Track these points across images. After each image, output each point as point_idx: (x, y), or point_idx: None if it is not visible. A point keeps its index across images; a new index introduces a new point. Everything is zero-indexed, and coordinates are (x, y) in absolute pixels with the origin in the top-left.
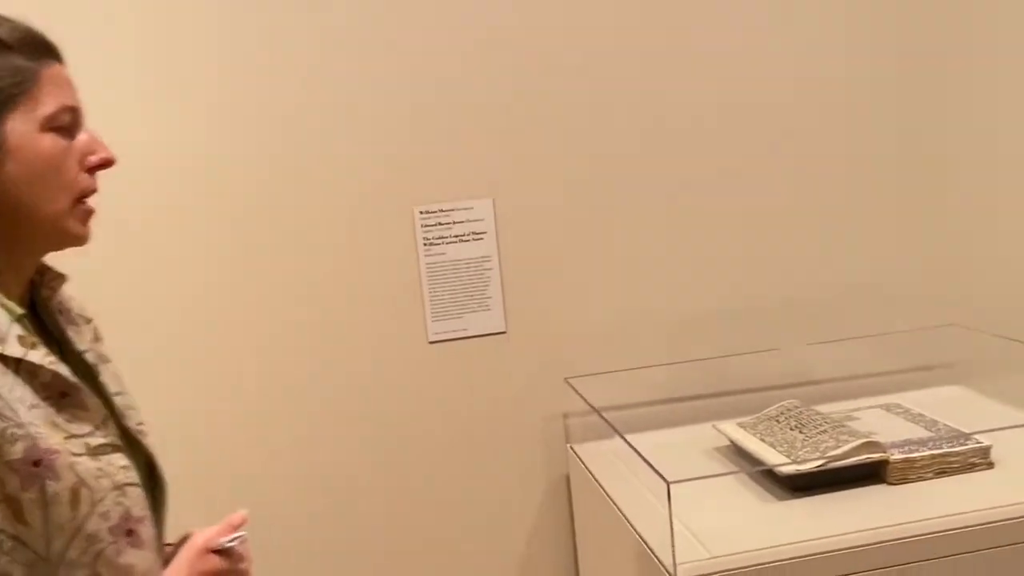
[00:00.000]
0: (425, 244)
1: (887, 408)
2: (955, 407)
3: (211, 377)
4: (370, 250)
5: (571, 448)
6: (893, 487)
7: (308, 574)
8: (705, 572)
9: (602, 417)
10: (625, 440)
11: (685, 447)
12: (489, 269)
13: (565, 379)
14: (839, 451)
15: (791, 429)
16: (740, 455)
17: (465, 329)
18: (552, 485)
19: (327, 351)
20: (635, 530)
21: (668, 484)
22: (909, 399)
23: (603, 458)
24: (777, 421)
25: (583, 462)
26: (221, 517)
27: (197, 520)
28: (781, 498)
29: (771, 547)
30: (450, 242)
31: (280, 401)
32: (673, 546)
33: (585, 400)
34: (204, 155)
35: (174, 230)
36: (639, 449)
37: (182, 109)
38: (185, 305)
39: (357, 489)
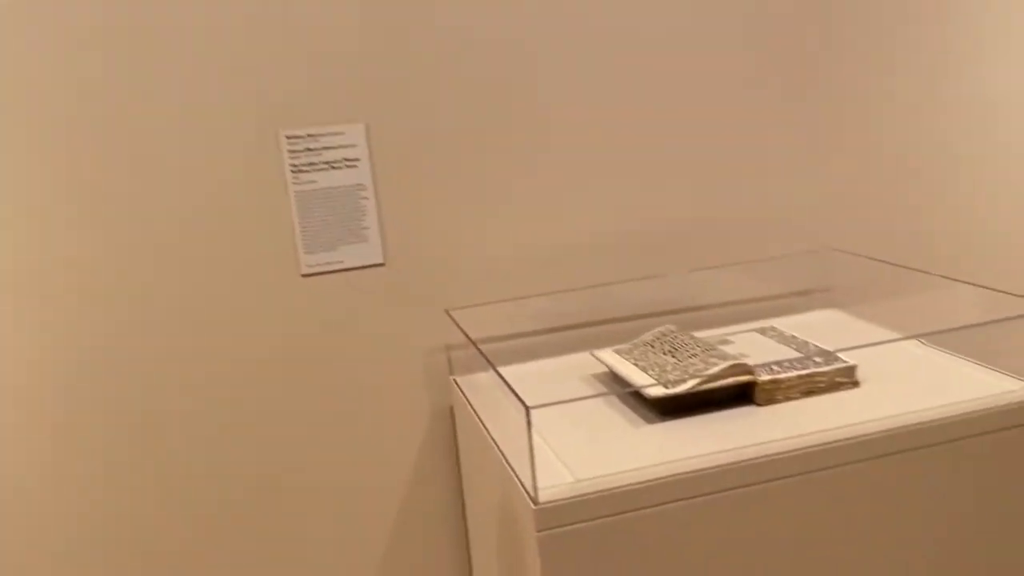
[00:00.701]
0: (293, 171)
1: (761, 331)
2: (828, 329)
3: (58, 315)
4: (233, 178)
5: (454, 380)
6: (761, 408)
7: (179, 517)
8: (567, 496)
9: (476, 348)
10: (495, 368)
11: (563, 375)
12: (364, 198)
13: (446, 311)
14: (707, 373)
15: (664, 354)
16: (616, 381)
17: (341, 261)
18: (436, 418)
19: (190, 287)
20: (503, 456)
21: (528, 409)
22: (785, 323)
23: (485, 389)
24: (652, 346)
25: (464, 393)
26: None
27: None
28: (651, 421)
29: (635, 469)
30: (321, 169)
31: (141, 338)
32: (533, 469)
33: (463, 331)
34: (39, 78)
35: (7, 162)
36: (519, 378)
37: (12, 27)
38: (24, 243)
39: (228, 430)
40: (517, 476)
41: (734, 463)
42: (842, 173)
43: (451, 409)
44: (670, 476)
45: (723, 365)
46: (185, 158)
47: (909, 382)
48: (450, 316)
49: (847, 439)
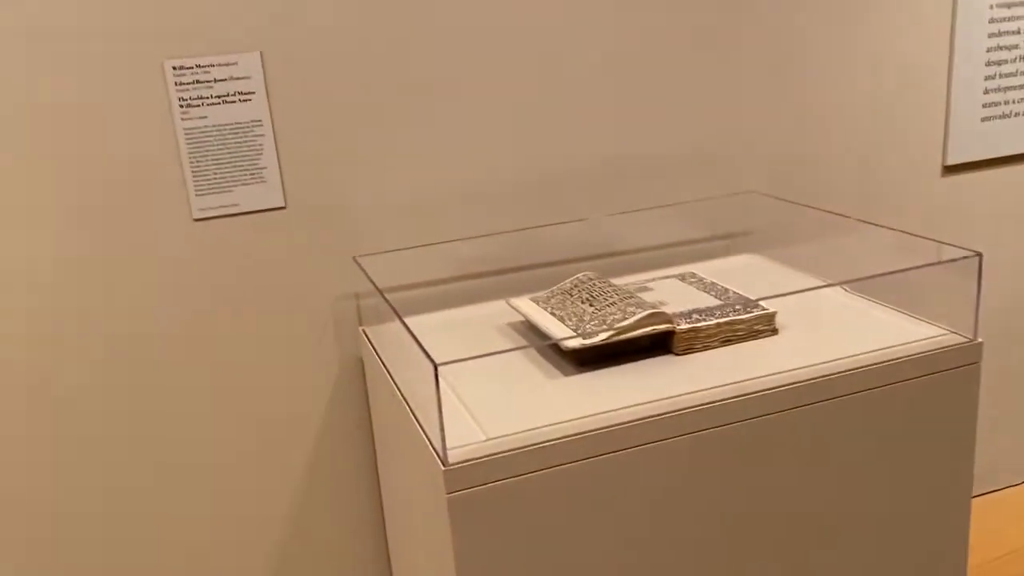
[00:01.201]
0: (182, 106)
1: (682, 278)
2: (749, 275)
3: None
4: (113, 115)
5: (363, 331)
6: (679, 357)
7: (71, 475)
8: (478, 455)
9: (384, 297)
10: (402, 321)
11: (478, 325)
12: (261, 135)
13: (353, 258)
14: (625, 323)
15: (582, 302)
16: (532, 331)
17: (236, 204)
18: (345, 370)
19: (69, 235)
20: (412, 413)
21: (435, 366)
22: (706, 268)
23: (395, 341)
24: (570, 294)
25: (373, 345)
26: None
27: None
28: (568, 373)
29: (549, 425)
30: (212, 103)
31: (23, 294)
32: (442, 430)
33: (370, 280)
34: None
35: None
36: (431, 329)
37: None
38: None
39: (118, 388)
40: (426, 435)
41: (648, 417)
42: (761, 114)
43: (361, 361)
44: (584, 432)
45: (641, 314)
46: (58, 93)
47: (827, 329)
48: (357, 263)
49: (762, 390)
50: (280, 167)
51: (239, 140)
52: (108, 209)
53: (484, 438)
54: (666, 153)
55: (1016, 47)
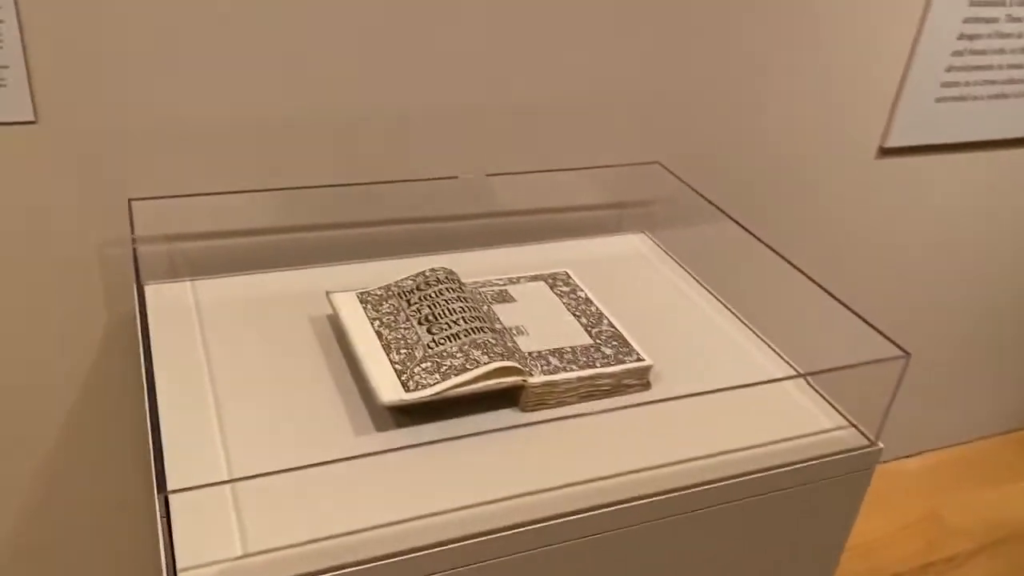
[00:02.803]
0: None
1: (552, 283)
2: (633, 274)
3: None
4: None
5: (137, 287)
6: (526, 414)
7: None
8: None
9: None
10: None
11: (286, 310)
12: (0, 21)
13: (130, 200)
14: (462, 378)
15: (419, 323)
16: (346, 354)
17: None
18: (112, 334)
19: None
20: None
21: (166, 494)
22: (587, 252)
23: (176, 308)
24: (408, 301)
25: (144, 318)
26: None
27: None
28: (381, 427)
29: (332, 537)
30: None
31: None
32: (172, 554)
33: (132, 235)
34: None
35: None
36: (220, 308)
37: None
38: None
39: None
40: (161, 535)
41: (461, 540)
42: (683, 73)
43: (134, 321)
44: (372, 561)
45: (484, 368)
46: None
47: (708, 394)
48: (131, 207)
49: (618, 503)
50: (28, 67)
51: None
52: None
53: (240, 552)
54: (560, 105)
55: (995, 20)
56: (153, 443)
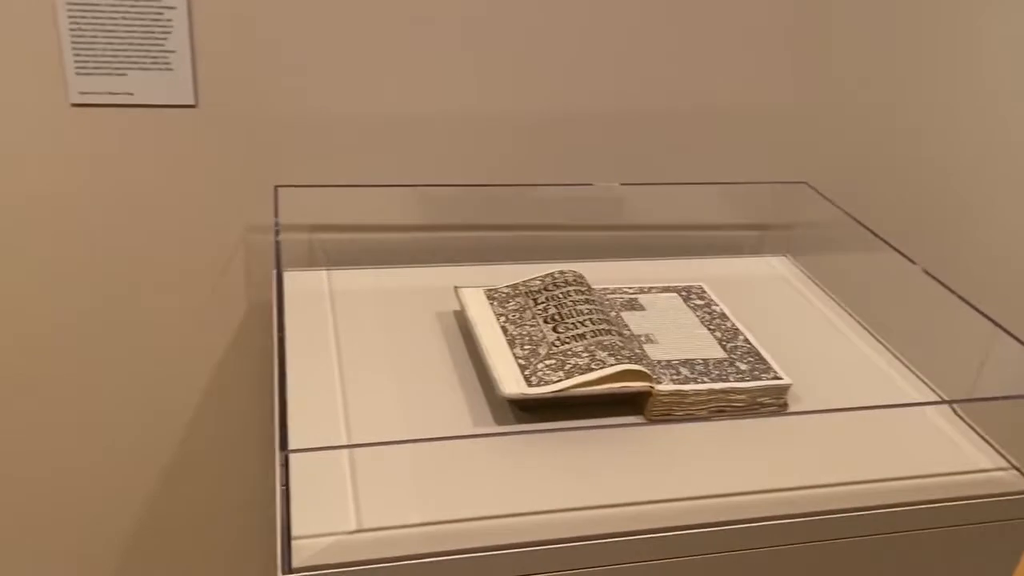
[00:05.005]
0: None
1: (685, 295)
2: (772, 294)
3: None
4: None
5: (277, 273)
6: (652, 425)
7: None
8: (333, 562)
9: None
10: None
11: (410, 305)
12: (171, 7)
13: (276, 187)
14: (587, 377)
15: (545, 321)
16: (471, 346)
17: (131, 94)
18: (251, 316)
19: None
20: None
21: (286, 453)
22: (724, 271)
23: (311, 295)
24: (535, 300)
25: (280, 301)
26: None
27: None
28: (502, 420)
29: (450, 522)
30: None
31: None
32: (288, 524)
33: (276, 221)
34: None
35: None
36: (352, 295)
37: None
38: None
39: None
40: (279, 512)
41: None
42: (854, 84)
43: (269, 306)
44: (489, 551)
45: (610, 369)
46: None
47: (850, 417)
48: (276, 194)
49: (753, 521)
50: (194, 54)
51: (140, 9)
52: None
53: (354, 527)
54: (703, 116)
55: None
56: (279, 409)
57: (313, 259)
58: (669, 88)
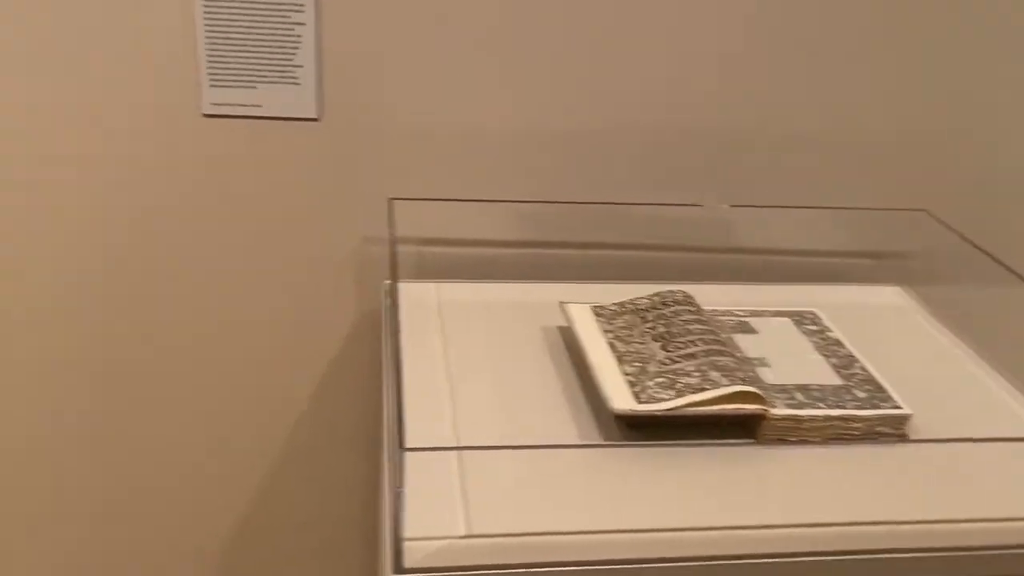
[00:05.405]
0: None
1: (798, 320)
2: (887, 323)
3: None
4: None
5: (387, 285)
6: (765, 448)
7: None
8: (442, 565)
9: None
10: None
11: (516, 320)
12: (301, 23)
13: (389, 199)
14: (699, 397)
15: (654, 339)
16: (578, 361)
17: (259, 106)
18: (360, 326)
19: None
20: (389, 439)
21: (402, 451)
22: (837, 299)
23: (424, 310)
24: (643, 318)
25: (394, 309)
26: None
27: None
28: (609, 436)
29: (559, 533)
30: None
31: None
32: (400, 519)
33: (392, 233)
34: None
35: None
36: (458, 309)
37: None
38: None
39: (99, 323)
40: (387, 510)
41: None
42: (961, 107)
43: (379, 314)
44: (603, 565)
45: (723, 390)
46: None
47: (972, 450)
48: (391, 207)
49: (878, 553)
50: (319, 69)
51: (272, 24)
52: (98, 88)
53: (463, 532)
54: (828, 137)
55: None
56: (396, 409)
57: (421, 271)
58: (786, 109)
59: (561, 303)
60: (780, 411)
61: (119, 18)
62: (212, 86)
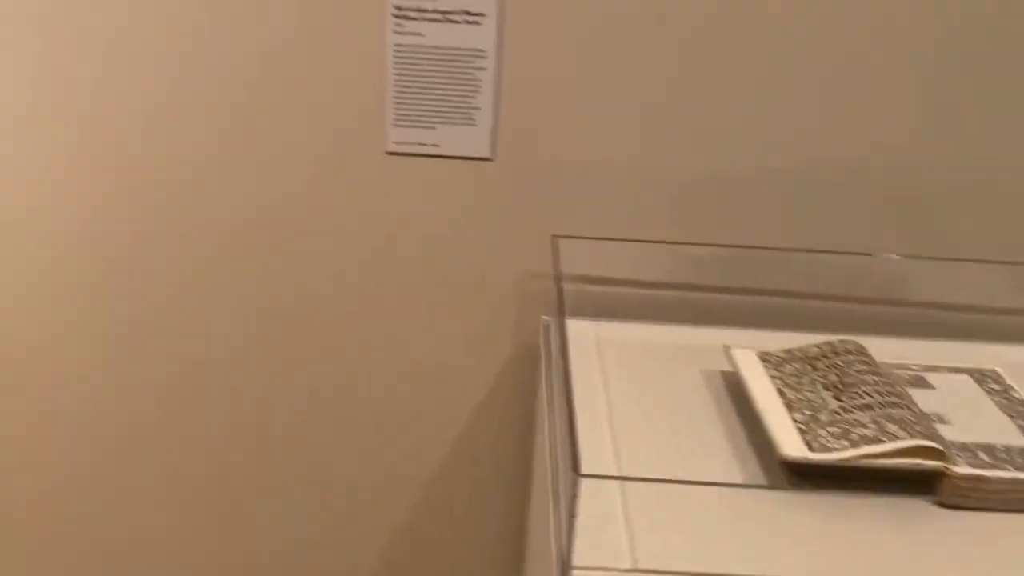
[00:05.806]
0: (396, 17)
1: (979, 378)
2: None
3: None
4: (318, 17)
5: (546, 320)
6: (943, 510)
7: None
8: None
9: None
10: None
11: (680, 363)
12: (482, 68)
13: (553, 236)
14: (875, 449)
15: (826, 388)
16: (744, 406)
17: (437, 145)
18: (516, 360)
19: (239, 146)
20: (553, 479)
21: (579, 477)
22: (1014, 363)
23: (584, 347)
24: (814, 367)
25: (555, 348)
26: None
27: None
28: (776, 485)
29: (695, 574)
30: (432, 19)
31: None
32: (571, 542)
33: (556, 269)
34: None
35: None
36: (621, 351)
37: None
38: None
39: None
40: (555, 532)
41: None
42: None
43: (538, 351)
44: None
45: (901, 444)
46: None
47: None
48: (555, 244)
49: None
50: (496, 112)
51: (455, 70)
52: (291, 124)
53: (629, 565)
54: (1006, 178)
55: None
56: (570, 436)
57: (579, 308)
58: (965, 157)
59: (726, 347)
60: (963, 470)
61: (322, 67)
62: (396, 126)
